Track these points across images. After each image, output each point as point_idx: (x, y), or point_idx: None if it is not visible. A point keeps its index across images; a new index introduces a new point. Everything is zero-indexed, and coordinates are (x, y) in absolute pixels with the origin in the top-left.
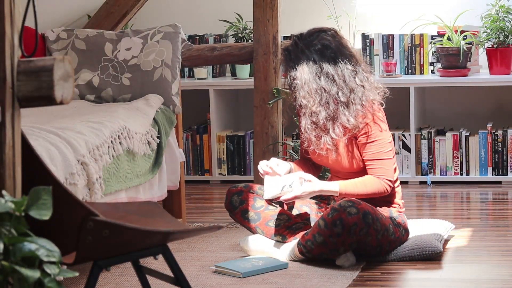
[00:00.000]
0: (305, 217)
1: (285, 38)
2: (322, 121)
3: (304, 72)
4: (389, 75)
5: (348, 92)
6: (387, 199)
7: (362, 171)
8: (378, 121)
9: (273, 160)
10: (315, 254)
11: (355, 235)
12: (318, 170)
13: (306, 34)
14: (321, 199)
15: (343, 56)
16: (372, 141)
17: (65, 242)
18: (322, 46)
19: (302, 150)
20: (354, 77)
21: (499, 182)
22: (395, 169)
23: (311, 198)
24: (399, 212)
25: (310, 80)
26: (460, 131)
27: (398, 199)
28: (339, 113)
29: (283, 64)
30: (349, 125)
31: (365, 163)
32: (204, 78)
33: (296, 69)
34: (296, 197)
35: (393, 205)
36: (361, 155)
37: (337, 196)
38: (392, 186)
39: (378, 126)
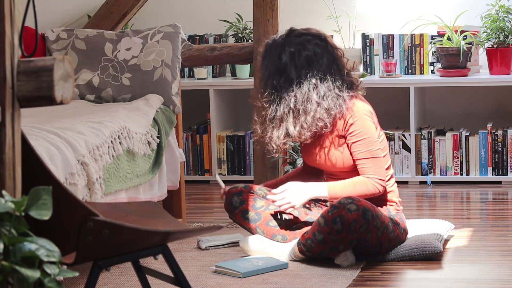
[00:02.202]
0: (305, 217)
1: None
2: (269, 117)
3: (268, 66)
4: (389, 75)
5: (301, 102)
6: (383, 197)
7: (354, 170)
8: (366, 121)
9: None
10: (315, 253)
11: (355, 232)
12: (318, 178)
13: (294, 33)
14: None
15: (311, 67)
16: (359, 140)
17: (65, 242)
18: (295, 50)
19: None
20: (313, 91)
21: (499, 182)
22: (388, 167)
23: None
24: (397, 210)
25: (269, 74)
26: (460, 131)
27: (394, 197)
28: (287, 118)
29: (261, 52)
30: (291, 132)
31: (356, 164)
32: (204, 78)
33: (264, 60)
34: (290, 203)
35: (390, 204)
36: (351, 156)
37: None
38: (385, 186)
39: (364, 127)
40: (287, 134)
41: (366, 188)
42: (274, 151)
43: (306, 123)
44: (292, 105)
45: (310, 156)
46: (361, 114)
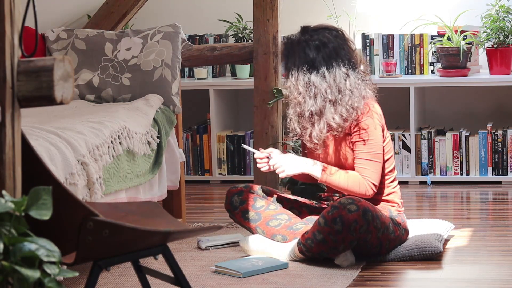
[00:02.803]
0: (305, 217)
1: None
2: (308, 113)
3: (296, 63)
4: (389, 75)
5: (336, 92)
6: (385, 198)
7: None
8: (375, 123)
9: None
10: (315, 253)
11: (355, 233)
12: None
13: (311, 28)
14: (320, 199)
15: (338, 57)
16: (363, 140)
17: (65, 242)
18: (320, 42)
19: (302, 145)
20: (345, 80)
21: (499, 182)
22: (393, 169)
23: (311, 198)
24: (398, 211)
25: (299, 71)
26: (460, 131)
27: (396, 198)
28: (326, 110)
29: (282, 52)
30: (334, 123)
31: (354, 161)
32: (204, 78)
33: (289, 59)
34: (284, 171)
35: (392, 205)
36: (353, 153)
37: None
38: (374, 191)
39: (372, 128)
40: (330, 127)
41: (358, 186)
42: (317, 147)
43: (343, 113)
44: (329, 97)
45: (311, 152)
46: (373, 114)
